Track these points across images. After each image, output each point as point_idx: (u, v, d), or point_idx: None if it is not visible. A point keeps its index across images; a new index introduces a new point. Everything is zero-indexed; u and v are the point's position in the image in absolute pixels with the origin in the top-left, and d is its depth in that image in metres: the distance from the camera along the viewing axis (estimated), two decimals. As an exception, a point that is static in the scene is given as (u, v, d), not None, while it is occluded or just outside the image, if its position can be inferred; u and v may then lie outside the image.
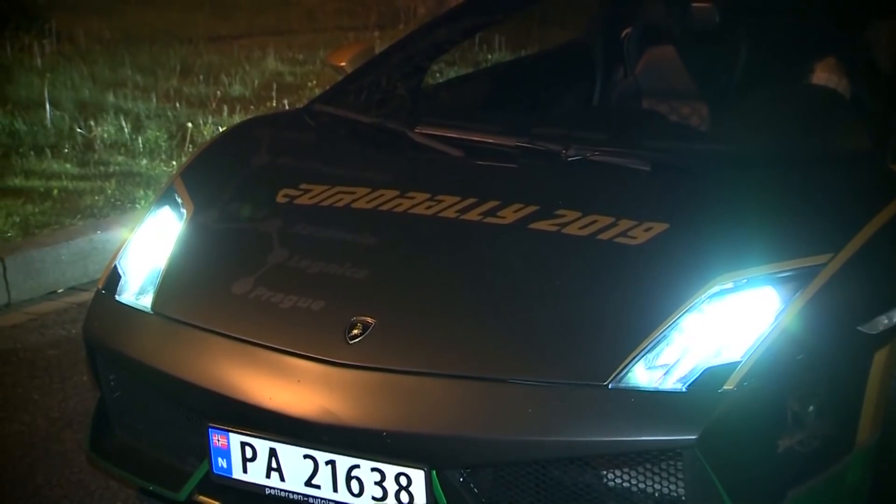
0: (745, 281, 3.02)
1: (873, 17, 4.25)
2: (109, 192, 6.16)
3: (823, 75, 4.10)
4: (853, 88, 4.05)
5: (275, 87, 8.65)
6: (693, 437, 2.78)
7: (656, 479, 2.87)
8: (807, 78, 4.14)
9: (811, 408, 2.92)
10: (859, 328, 3.01)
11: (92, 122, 7.32)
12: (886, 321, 3.02)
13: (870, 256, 3.10)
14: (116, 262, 3.62)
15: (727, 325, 2.97)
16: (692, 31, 4.56)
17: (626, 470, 2.91)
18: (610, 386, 2.89)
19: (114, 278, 3.57)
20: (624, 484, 2.91)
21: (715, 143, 3.91)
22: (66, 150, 6.80)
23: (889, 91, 3.76)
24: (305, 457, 3.01)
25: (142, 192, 6.17)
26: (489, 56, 9.62)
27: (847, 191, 3.37)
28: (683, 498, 2.85)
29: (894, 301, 3.06)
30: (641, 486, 2.90)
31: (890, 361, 3.02)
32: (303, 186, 3.65)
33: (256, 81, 8.90)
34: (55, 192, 6.11)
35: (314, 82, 8.66)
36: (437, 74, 8.59)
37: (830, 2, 4.31)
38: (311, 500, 3.05)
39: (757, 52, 4.53)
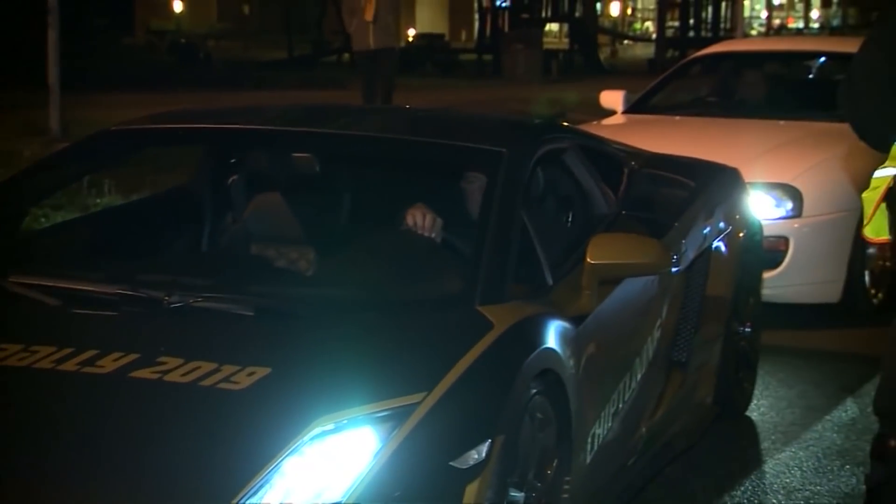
0: (345, 422, 3.07)
1: (465, 169, 4.50)
2: None
3: (417, 221, 4.27)
4: (445, 234, 4.25)
5: None
6: None
7: None
8: (403, 224, 4.30)
9: None
10: (451, 463, 3.08)
11: None
12: (476, 456, 3.11)
13: (460, 394, 3.21)
14: None
15: (328, 466, 3.01)
16: (296, 180, 4.70)
17: None
18: None
19: None
20: None
21: (317, 288, 3.99)
22: None
23: (477, 237, 3.93)
24: None
25: None
26: (98, 200, 9.48)
27: (439, 332, 3.49)
28: None
29: (483, 436, 3.16)
30: None
31: (480, 495, 3.11)
32: None
33: None
34: None
35: None
36: (43, 219, 8.38)
37: (423, 156, 4.52)
38: None
39: (358, 200, 4.70)
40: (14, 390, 3.27)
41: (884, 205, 3.23)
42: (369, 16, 11.12)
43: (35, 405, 3.23)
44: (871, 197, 3.28)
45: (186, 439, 3.09)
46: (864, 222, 3.35)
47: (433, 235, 4.25)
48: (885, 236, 3.28)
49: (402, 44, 43.74)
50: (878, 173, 3.30)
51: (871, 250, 6.85)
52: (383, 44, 11.39)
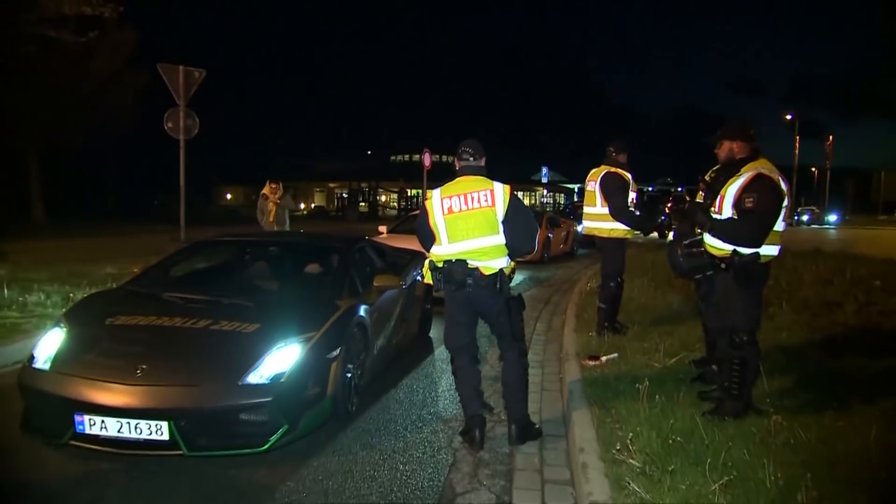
0: (289, 342, 3.22)
1: (329, 253, 4.22)
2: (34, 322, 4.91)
3: (311, 269, 4.15)
4: (318, 273, 4.10)
5: None
6: (269, 398, 3.02)
7: (252, 415, 2.96)
8: (306, 270, 4.16)
9: (312, 384, 3.19)
10: (327, 356, 3.32)
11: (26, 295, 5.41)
12: (335, 353, 3.30)
13: (330, 332, 3.41)
14: (33, 351, 3.35)
15: (283, 359, 3.17)
16: (265, 256, 4.39)
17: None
18: (240, 382, 3.05)
19: (32, 357, 3.31)
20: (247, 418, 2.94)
21: (277, 294, 3.88)
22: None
23: (332, 278, 3.92)
24: (117, 421, 2.97)
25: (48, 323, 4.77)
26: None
27: (324, 308, 3.57)
28: (265, 424, 2.97)
29: (338, 345, 3.34)
30: (249, 417, 2.97)
31: (337, 368, 3.34)
32: (117, 317, 3.44)
33: None
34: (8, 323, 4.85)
35: None
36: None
37: (311, 246, 4.30)
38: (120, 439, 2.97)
39: (288, 263, 4.34)
40: (165, 333, 3.24)
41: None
42: None
43: (167, 340, 3.21)
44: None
45: (230, 348, 3.15)
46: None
47: (316, 273, 4.19)
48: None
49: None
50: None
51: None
52: None
